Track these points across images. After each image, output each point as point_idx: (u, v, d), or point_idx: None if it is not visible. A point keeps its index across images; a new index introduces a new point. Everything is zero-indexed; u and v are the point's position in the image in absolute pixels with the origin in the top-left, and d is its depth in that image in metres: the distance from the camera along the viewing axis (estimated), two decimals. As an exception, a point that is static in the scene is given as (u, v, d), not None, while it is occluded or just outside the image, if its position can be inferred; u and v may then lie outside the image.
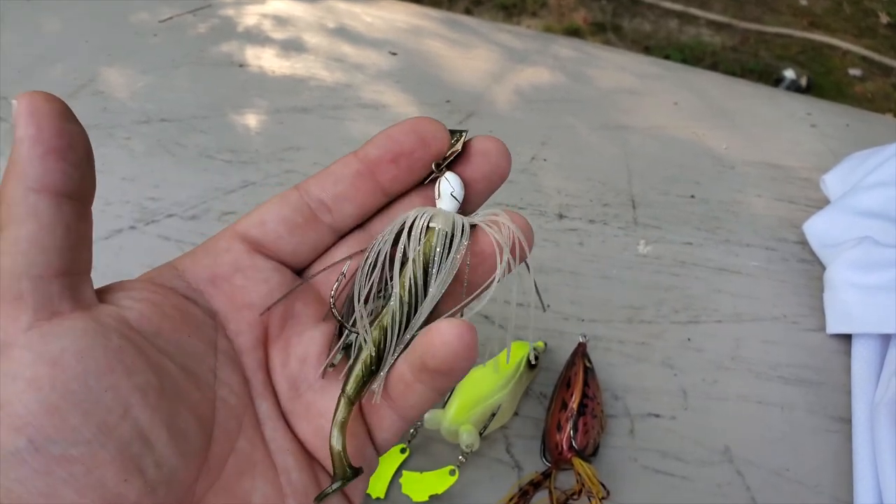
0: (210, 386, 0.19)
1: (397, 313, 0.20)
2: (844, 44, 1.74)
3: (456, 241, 0.20)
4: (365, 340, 0.20)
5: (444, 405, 0.40)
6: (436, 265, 0.20)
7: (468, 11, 1.74)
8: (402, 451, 0.41)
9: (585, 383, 0.42)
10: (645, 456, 0.42)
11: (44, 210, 0.16)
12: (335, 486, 0.19)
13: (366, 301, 0.20)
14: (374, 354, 0.20)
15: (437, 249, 0.20)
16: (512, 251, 0.20)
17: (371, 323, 0.20)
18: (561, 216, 0.55)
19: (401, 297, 0.20)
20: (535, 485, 0.39)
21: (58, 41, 0.66)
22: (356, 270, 0.21)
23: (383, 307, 0.21)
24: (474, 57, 0.72)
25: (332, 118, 0.61)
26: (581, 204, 0.56)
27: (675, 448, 0.43)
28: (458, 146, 0.21)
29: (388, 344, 0.20)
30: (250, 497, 0.19)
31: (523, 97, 0.67)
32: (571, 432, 0.40)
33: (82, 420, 0.16)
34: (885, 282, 0.46)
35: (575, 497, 0.39)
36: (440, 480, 0.39)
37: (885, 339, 0.46)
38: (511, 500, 0.39)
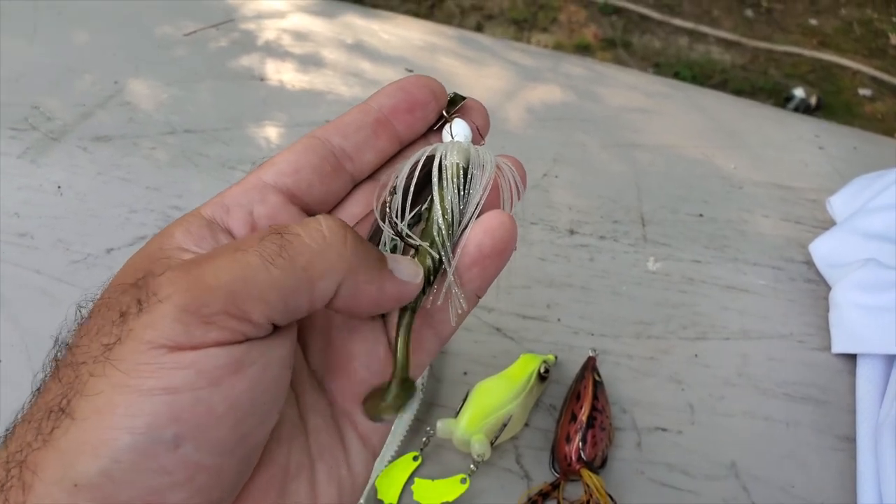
0: None
1: (442, 224, 0.21)
2: (854, 64, 1.75)
3: (486, 162, 0.22)
4: (429, 250, 0.20)
5: (456, 415, 0.41)
6: (475, 182, 0.21)
7: (479, 26, 1.76)
8: (415, 458, 0.42)
9: (595, 396, 0.43)
10: (652, 469, 0.43)
11: None
12: (395, 403, 0.19)
13: (401, 220, 0.21)
14: (435, 261, 0.20)
15: (473, 171, 0.21)
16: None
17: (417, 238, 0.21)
18: (572, 232, 0.56)
19: (442, 211, 0.21)
20: (544, 495, 0.40)
21: (87, 53, 0.68)
22: (390, 188, 0.22)
23: (425, 222, 0.21)
24: (487, 75, 0.74)
25: (350, 132, 0.63)
26: (591, 220, 0.58)
27: (682, 462, 0.43)
28: (465, 100, 0.24)
29: (440, 252, 0.21)
30: (287, 462, 0.18)
31: (535, 115, 0.69)
32: (580, 444, 0.41)
33: (231, 432, 0.15)
34: (889, 303, 0.47)
35: (583, 508, 0.39)
36: (451, 488, 0.40)
37: (890, 359, 0.47)
38: (520, 509, 0.40)
